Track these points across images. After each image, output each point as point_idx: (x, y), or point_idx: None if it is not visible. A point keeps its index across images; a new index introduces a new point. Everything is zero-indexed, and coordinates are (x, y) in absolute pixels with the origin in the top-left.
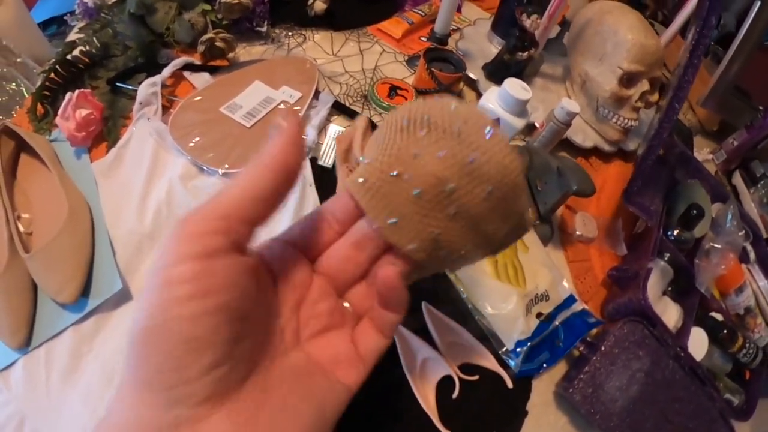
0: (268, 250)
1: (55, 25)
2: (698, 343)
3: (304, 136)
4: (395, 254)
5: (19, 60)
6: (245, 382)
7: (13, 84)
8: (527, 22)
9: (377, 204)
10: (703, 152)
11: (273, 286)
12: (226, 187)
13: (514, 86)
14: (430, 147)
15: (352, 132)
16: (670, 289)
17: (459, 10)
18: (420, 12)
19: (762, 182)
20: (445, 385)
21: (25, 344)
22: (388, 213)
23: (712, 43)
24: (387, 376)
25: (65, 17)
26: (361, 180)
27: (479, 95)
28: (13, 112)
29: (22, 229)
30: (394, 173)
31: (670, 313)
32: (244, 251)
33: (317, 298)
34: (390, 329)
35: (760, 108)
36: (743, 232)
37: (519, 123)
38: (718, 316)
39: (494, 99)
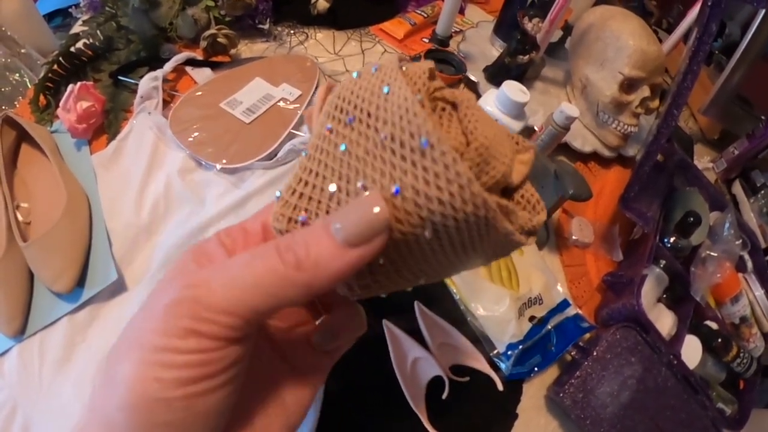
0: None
1: (60, 17)
2: (692, 351)
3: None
4: None
5: (23, 51)
6: (237, 421)
7: (17, 75)
8: (529, 26)
9: None
10: (703, 160)
11: None
12: (246, 268)
13: (512, 89)
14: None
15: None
16: (665, 296)
17: (462, 12)
18: (422, 13)
19: (762, 192)
20: (435, 385)
21: (20, 332)
22: None
23: (717, 52)
24: (377, 375)
25: (70, 9)
26: (273, 226)
27: (479, 97)
28: (16, 103)
29: (20, 218)
30: (300, 219)
31: (665, 320)
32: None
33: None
34: (357, 335)
35: (762, 117)
36: (740, 240)
37: (516, 126)
38: (713, 325)
39: (492, 101)
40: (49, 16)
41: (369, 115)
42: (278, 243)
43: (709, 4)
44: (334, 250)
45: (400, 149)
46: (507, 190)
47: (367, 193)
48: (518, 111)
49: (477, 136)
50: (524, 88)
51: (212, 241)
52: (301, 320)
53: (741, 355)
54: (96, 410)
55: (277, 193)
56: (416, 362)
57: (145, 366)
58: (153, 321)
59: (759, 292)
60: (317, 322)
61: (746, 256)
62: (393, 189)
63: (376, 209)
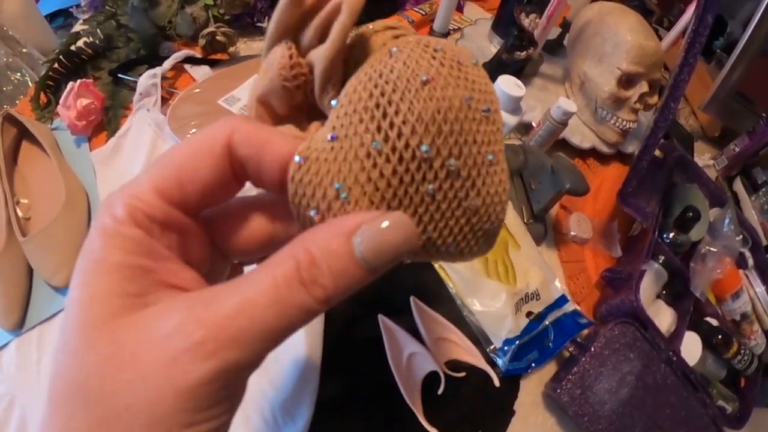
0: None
1: (61, 18)
2: (692, 348)
3: None
4: None
5: (24, 50)
6: None
7: (18, 74)
8: (526, 22)
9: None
10: (704, 158)
11: None
12: (271, 309)
13: (507, 83)
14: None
15: (343, 37)
16: (664, 292)
17: (461, 10)
18: (421, 11)
19: (763, 189)
20: (431, 381)
21: (19, 326)
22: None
23: (718, 50)
24: (373, 372)
25: (71, 9)
26: (297, 159)
27: None
28: (17, 102)
29: (20, 213)
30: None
31: (664, 317)
32: None
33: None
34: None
35: (763, 114)
36: (741, 236)
37: (512, 120)
38: (713, 321)
39: None
40: (51, 17)
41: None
42: (301, 274)
43: None
44: (361, 277)
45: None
46: None
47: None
48: (514, 105)
49: None
50: (520, 83)
51: (117, 220)
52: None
53: (742, 352)
54: None
55: (333, 135)
56: (412, 357)
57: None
58: (169, 393)
59: (760, 288)
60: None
61: (747, 253)
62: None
63: (408, 246)
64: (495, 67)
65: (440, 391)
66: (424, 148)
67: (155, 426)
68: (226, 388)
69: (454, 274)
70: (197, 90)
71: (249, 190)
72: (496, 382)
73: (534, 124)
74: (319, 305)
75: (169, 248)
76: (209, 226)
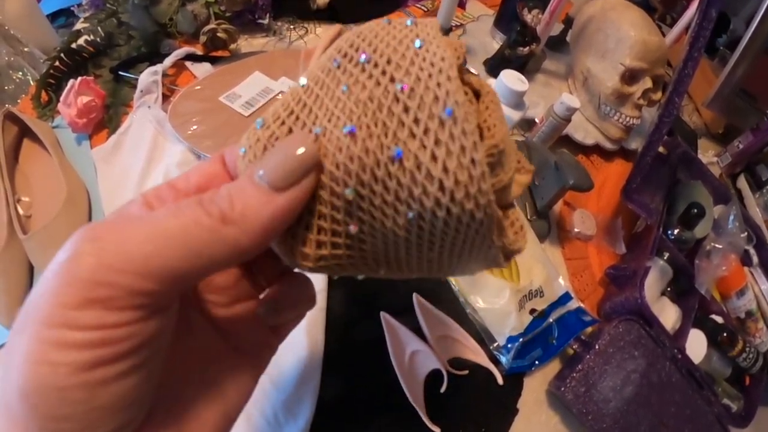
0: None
1: (63, 17)
2: (697, 346)
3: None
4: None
5: (26, 49)
6: (163, 410)
7: (20, 73)
8: (528, 17)
9: None
10: (707, 155)
11: None
12: (164, 220)
13: (510, 78)
14: (344, 116)
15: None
16: (669, 289)
17: (463, 6)
18: (423, 7)
19: (767, 186)
20: (434, 379)
21: None
22: None
23: (721, 47)
24: (374, 369)
25: (73, 8)
26: (242, 151)
27: None
28: (18, 101)
29: (21, 211)
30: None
31: (669, 314)
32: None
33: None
34: (306, 311)
35: (767, 111)
36: (745, 234)
37: (515, 115)
38: (718, 319)
39: None
40: (53, 16)
41: (389, 61)
42: (201, 196)
43: None
44: (261, 197)
45: (417, 109)
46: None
47: (347, 133)
48: (517, 100)
49: (495, 133)
50: (523, 77)
51: (136, 202)
52: (244, 295)
53: (747, 349)
54: (1, 395)
55: (260, 121)
56: (414, 355)
57: (38, 344)
58: (47, 285)
59: (765, 285)
60: (261, 296)
61: (752, 251)
62: (394, 151)
63: (301, 150)
64: (497, 63)
65: (443, 390)
66: (336, 61)
67: (36, 312)
68: (101, 286)
69: None
70: (198, 87)
71: None
72: (500, 380)
73: (537, 120)
74: (210, 219)
75: None
76: None
